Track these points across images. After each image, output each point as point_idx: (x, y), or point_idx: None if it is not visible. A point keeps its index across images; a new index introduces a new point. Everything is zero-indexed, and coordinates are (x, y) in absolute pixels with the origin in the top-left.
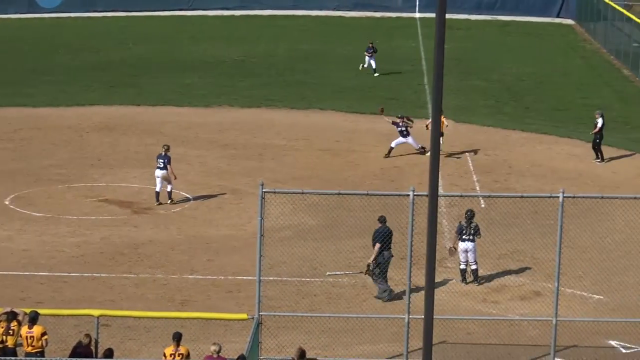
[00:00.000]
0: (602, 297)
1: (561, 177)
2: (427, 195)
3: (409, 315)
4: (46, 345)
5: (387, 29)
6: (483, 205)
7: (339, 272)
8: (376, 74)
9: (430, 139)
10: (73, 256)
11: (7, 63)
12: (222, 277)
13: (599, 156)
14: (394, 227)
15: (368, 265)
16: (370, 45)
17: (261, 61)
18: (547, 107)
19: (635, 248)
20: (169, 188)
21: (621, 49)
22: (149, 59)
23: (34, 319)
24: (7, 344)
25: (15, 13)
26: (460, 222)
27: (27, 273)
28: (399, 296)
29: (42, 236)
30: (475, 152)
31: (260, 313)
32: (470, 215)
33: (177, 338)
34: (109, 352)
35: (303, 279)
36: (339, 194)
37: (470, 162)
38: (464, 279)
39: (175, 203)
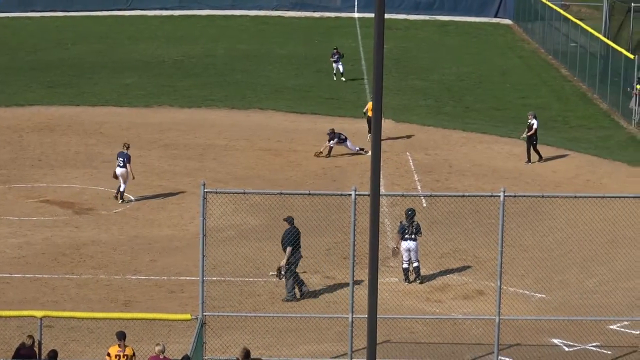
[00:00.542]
0: (544, 295)
1: (502, 177)
2: (369, 195)
3: (352, 315)
4: None
5: (327, 29)
6: (425, 205)
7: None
8: (343, 79)
9: (372, 139)
10: (14, 257)
11: None
12: (165, 278)
13: (539, 156)
14: (336, 227)
15: (279, 269)
16: (335, 50)
17: (200, 61)
18: (486, 106)
19: (576, 246)
20: (122, 187)
21: (559, 48)
22: (88, 59)
23: None
24: None
25: None
26: (401, 221)
27: None
28: (314, 294)
29: None
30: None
31: (204, 313)
32: (411, 214)
33: (122, 337)
34: (53, 354)
35: (246, 279)
36: (281, 193)
37: (411, 161)
38: (407, 278)
39: (125, 202)
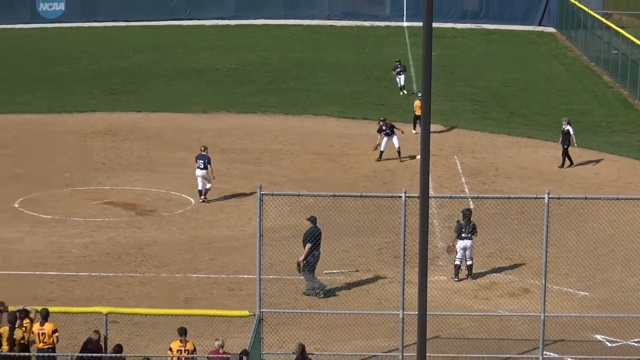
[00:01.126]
0: (587, 293)
1: (546, 179)
2: (418, 197)
3: (403, 312)
4: (57, 341)
5: (376, 38)
6: (472, 206)
7: (335, 271)
8: (404, 92)
9: (421, 143)
10: (81, 256)
11: (7, 72)
12: (224, 276)
13: (570, 161)
14: (387, 228)
15: (298, 264)
16: (398, 63)
17: (256, 69)
18: (531, 112)
19: (618, 246)
20: (208, 186)
21: (601, 56)
22: (148, 67)
23: (45, 316)
24: (19, 340)
25: (18, 23)
26: (458, 221)
27: (37, 272)
28: (332, 292)
29: (50, 237)
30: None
31: (261, 310)
32: (468, 214)
33: (183, 333)
34: (118, 348)
35: (301, 277)
36: (334, 195)
37: (458, 164)
38: (456, 275)
39: (208, 202)
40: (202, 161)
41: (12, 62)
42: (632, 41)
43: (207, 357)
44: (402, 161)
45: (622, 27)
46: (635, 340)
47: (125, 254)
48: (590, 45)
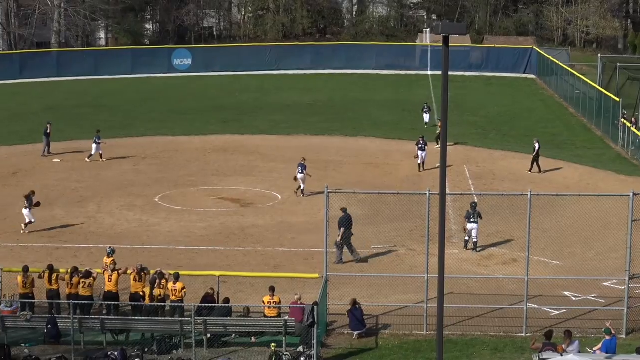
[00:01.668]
0: (558, 262)
1: (529, 181)
2: (438, 194)
3: (427, 275)
4: (185, 295)
5: (409, 82)
6: (476, 201)
7: (379, 246)
8: (426, 126)
9: (440, 155)
10: (201, 235)
11: (154, 107)
12: (301, 249)
13: (539, 169)
14: (417, 216)
15: (336, 242)
16: (426, 105)
17: (324, 104)
18: (518, 134)
19: (580, 229)
20: (302, 187)
21: (568, 94)
22: (250, 103)
23: (177, 277)
24: (157, 296)
25: (158, 73)
26: (467, 210)
27: (171, 247)
28: (364, 259)
29: (180, 222)
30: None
31: (328, 273)
32: (474, 205)
33: (272, 290)
34: (227, 300)
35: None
36: (379, 193)
37: (467, 171)
38: (465, 246)
39: (302, 196)
40: (301, 167)
41: (156, 101)
42: (589, 84)
43: (289, 307)
44: (420, 171)
45: (582, 74)
46: (593, 295)
47: (232, 234)
48: (560, 87)
